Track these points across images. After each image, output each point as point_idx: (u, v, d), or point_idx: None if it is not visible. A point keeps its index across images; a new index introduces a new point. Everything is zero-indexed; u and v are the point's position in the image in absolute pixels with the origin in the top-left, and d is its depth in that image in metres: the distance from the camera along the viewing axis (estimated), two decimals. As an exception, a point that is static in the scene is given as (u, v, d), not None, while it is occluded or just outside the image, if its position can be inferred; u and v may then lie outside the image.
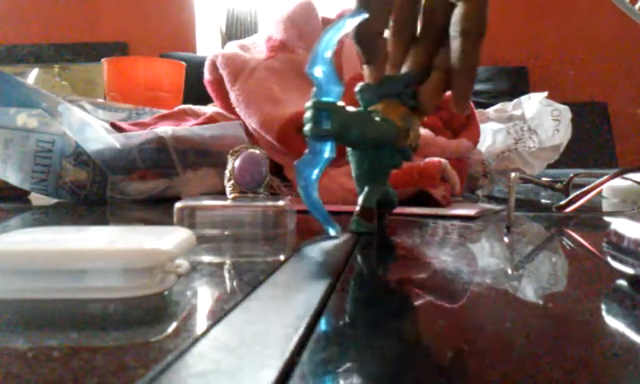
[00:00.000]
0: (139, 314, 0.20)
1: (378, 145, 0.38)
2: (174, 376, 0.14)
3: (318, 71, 0.34)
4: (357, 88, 0.40)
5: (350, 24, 0.36)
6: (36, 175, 0.64)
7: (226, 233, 0.39)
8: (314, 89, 0.35)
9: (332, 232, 0.36)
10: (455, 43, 0.37)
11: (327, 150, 0.35)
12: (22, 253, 0.21)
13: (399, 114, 0.38)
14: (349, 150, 0.40)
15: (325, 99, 0.35)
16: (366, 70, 0.40)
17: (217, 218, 0.40)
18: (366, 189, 0.39)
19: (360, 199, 0.39)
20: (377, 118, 0.37)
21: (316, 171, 0.35)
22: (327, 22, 0.77)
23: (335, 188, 0.58)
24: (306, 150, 0.35)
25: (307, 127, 0.35)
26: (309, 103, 0.35)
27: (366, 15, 0.36)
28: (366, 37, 0.38)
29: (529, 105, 0.83)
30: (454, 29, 0.37)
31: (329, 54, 0.34)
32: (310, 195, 0.35)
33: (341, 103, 0.36)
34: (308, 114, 0.35)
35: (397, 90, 0.39)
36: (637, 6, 0.78)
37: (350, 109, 0.36)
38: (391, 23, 0.41)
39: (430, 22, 0.40)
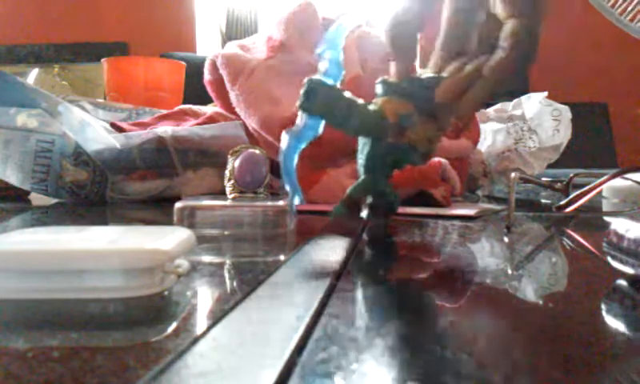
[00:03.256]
0: (139, 313, 0.20)
1: (363, 134, 0.38)
2: (173, 376, 0.14)
3: (328, 54, 0.36)
4: (377, 81, 0.40)
5: (351, 25, 0.37)
6: (36, 175, 0.64)
7: (226, 233, 0.39)
8: (322, 69, 0.36)
9: (297, 200, 0.37)
10: (496, 55, 0.35)
11: (316, 127, 0.36)
12: (22, 253, 0.21)
13: (396, 110, 0.37)
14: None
15: (325, 79, 0.35)
16: (392, 66, 0.39)
17: (217, 218, 0.40)
18: (359, 178, 0.39)
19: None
20: (370, 108, 0.37)
21: (302, 143, 0.36)
22: (327, 22, 0.77)
23: (335, 187, 0.58)
24: (298, 120, 0.36)
25: (298, 101, 0.36)
26: (305, 79, 0.36)
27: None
28: (399, 35, 0.38)
29: (529, 105, 0.83)
30: (501, 43, 0.35)
31: (341, 42, 0.36)
32: (288, 161, 0.36)
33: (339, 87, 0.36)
34: (302, 89, 0.35)
35: (412, 90, 0.38)
36: (625, 17, 0.78)
37: (346, 94, 0.36)
38: (441, 35, 0.40)
39: (478, 37, 0.38)
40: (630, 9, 0.78)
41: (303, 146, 0.36)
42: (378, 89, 0.39)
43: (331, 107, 0.35)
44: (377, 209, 0.40)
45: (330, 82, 0.36)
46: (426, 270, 0.29)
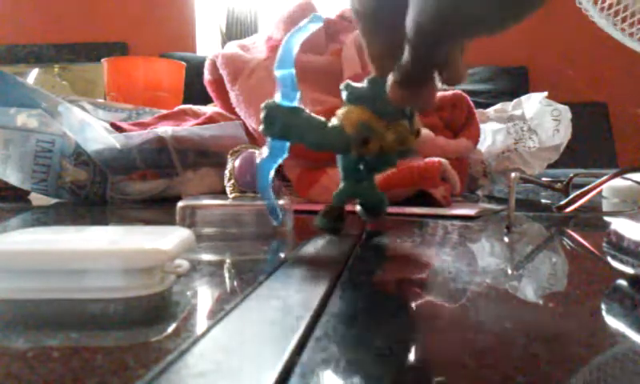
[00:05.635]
0: (139, 313, 0.20)
1: (325, 150, 0.37)
2: (173, 376, 0.14)
3: (283, 74, 0.36)
4: (341, 85, 0.37)
5: (312, 28, 0.37)
6: (36, 175, 0.64)
7: (227, 232, 0.39)
8: (279, 91, 0.36)
9: (274, 222, 0.38)
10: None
11: (283, 148, 0.36)
12: (22, 253, 0.21)
13: (355, 122, 0.34)
14: None
15: (284, 102, 0.36)
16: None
17: (217, 218, 0.40)
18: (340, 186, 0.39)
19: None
20: (332, 123, 0.35)
21: (273, 166, 0.37)
22: (327, 22, 0.77)
23: (335, 187, 0.58)
24: (264, 148, 0.37)
25: (260, 127, 0.36)
26: (262, 104, 0.36)
27: (322, 22, 0.36)
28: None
29: (529, 105, 0.83)
30: None
31: (293, 57, 0.36)
32: (263, 181, 0.37)
33: (300, 106, 0.36)
34: (260, 115, 0.36)
35: (374, 93, 0.34)
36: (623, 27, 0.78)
37: (304, 112, 0.36)
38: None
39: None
40: (611, 11, 0.78)
41: (275, 166, 0.37)
42: (343, 94, 0.37)
43: (290, 128, 0.35)
44: (366, 209, 0.40)
45: (287, 103, 0.36)
46: (425, 270, 0.29)
